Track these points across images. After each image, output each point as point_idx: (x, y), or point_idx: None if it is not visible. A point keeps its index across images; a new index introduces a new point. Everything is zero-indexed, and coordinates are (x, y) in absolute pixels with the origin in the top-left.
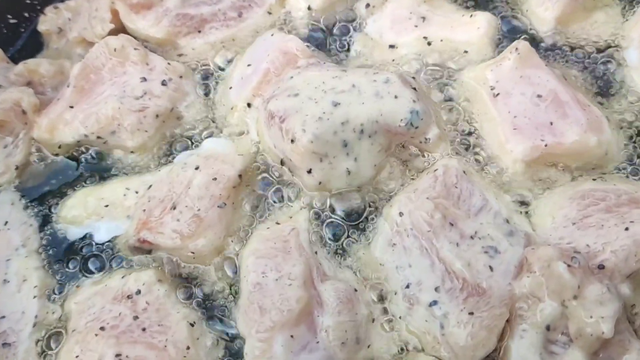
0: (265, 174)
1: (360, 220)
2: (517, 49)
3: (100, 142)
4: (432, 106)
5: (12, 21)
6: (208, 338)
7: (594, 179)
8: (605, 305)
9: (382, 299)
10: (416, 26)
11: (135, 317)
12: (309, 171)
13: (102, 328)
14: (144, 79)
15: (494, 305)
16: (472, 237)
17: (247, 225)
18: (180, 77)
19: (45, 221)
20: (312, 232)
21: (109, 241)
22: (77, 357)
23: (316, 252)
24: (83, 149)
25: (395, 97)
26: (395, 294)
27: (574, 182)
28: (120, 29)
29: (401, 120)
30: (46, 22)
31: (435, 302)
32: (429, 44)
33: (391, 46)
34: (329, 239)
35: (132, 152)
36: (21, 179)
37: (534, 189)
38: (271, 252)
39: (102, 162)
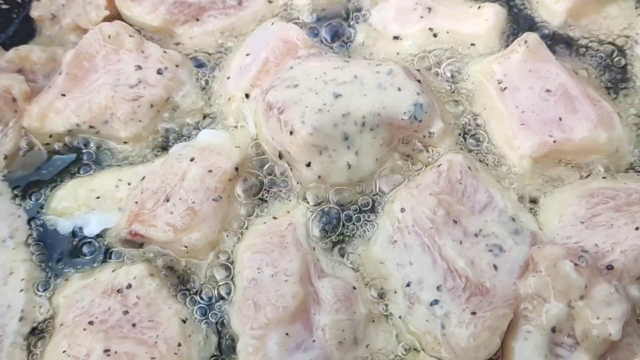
0: (262, 167)
1: (361, 216)
2: (526, 41)
3: (92, 131)
4: (437, 100)
5: (3, 7)
6: (200, 335)
7: (603, 177)
8: (613, 306)
9: (381, 297)
10: (422, 17)
11: (125, 312)
12: (308, 164)
13: (90, 322)
14: (139, 67)
15: (498, 305)
16: (476, 235)
17: (243, 220)
18: (177, 66)
19: (34, 212)
20: (310, 228)
21: (99, 234)
22: (64, 352)
23: (314, 248)
24: (74, 138)
25: (399, 89)
26: (395, 292)
27: (583, 180)
28: (115, 16)
29: (404, 113)
30: (39, 8)
31: (436, 301)
32: (435, 35)
33: (395, 37)
34: (328, 235)
35: (125, 142)
36: (10, 169)
37: (541, 186)
38: (267, 247)
39: (94, 152)
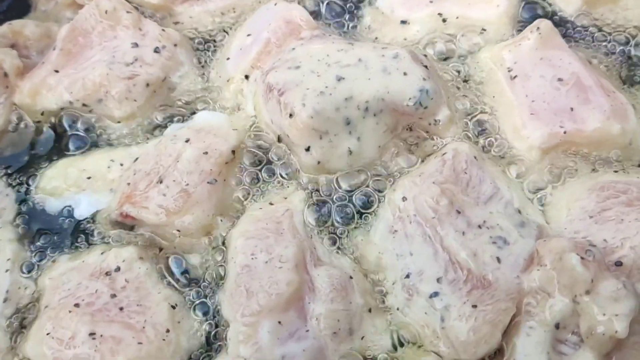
0: (260, 151)
1: (361, 204)
2: (538, 28)
3: (85, 110)
4: (444, 86)
5: None
6: (190, 322)
7: (615, 171)
8: (620, 302)
9: (379, 288)
10: (431, 1)
11: (113, 295)
12: (307, 149)
13: (76, 305)
14: (136, 45)
15: (500, 299)
16: (479, 227)
17: (238, 205)
18: (175, 45)
19: (23, 192)
20: (308, 215)
21: (89, 215)
22: (48, 334)
23: (311, 236)
24: (67, 117)
25: (405, 74)
26: (394, 283)
27: (594, 174)
28: None
29: (409, 99)
30: None
31: (436, 294)
32: (444, 20)
33: (403, 22)
34: (326, 222)
35: (119, 122)
36: None
37: (550, 178)
38: (262, 233)
39: (86, 131)
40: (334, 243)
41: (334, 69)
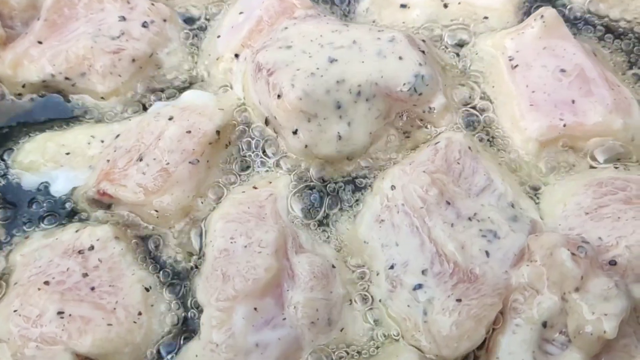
0: (246, 133)
1: (348, 191)
2: (542, 16)
3: (68, 84)
4: (441, 73)
5: None
6: (163, 305)
7: (615, 167)
8: (611, 302)
9: (362, 278)
10: None
11: (85, 275)
12: (295, 132)
13: (46, 282)
14: (123, 18)
15: (486, 293)
16: (469, 219)
17: (220, 187)
18: (164, 20)
19: None
20: (292, 200)
21: (66, 192)
22: (15, 311)
23: (294, 222)
24: (49, 90)
25: (400, 58)
26: (378, 274)
27: (593, 170)
28: None
29: (404, 84)
30: None
31: (420, 286)
32: (445, 6)
33: (403, 5)
34: (311, 209)
35: (102, 98)
36: None
37: (546, 172)
38: (243, 217)
39: (68, 106)
40: (318, 230)
41: (326, 50)
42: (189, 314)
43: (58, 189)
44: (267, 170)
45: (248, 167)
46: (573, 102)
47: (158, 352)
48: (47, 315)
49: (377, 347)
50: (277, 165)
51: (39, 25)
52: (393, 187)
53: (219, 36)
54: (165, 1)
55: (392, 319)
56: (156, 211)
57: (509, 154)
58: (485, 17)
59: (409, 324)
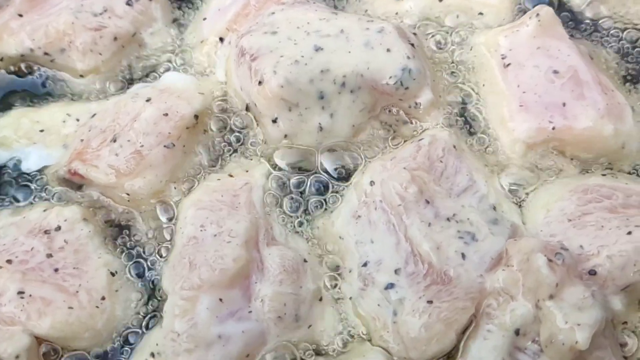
0: (225, 120)
1: (326, 185)
2: (538, 14)
3: (46, 59)
4: (431, 68)
5: None
6: (129, 291)
7: (603, 174)
8: (585, 312)
9: (334, 275)
10: None
11: (49, 255)
12: (275, 120)
13: (9, 261)
14: None
15: (459, 297)
16: (448, 219)
17: (195, 173)
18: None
19: None
20: (268, 191)
21: (37, 169)
22: None
23: (269, 214)
24: (26, 65)
25: (388, 50)
26: (350, 271)
27: (580, 175)
28: None
29: (390, 77)
30: None
31: (392, 285)
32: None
33: None
34: (287, 201)
35: (81, 75)
36: None
37: (532, 176)
38: (216, 205)
39: (45, 82)
40: (293, 223)
41: (312, 38)
42: (156, 301)
43: (29, 165)
44: (244, 158)
45: (225, 153)
46: (564, 104)
47: (124, 338)
48: (7, 295)
49: (345, 346)
50: (256, 153)
51: None
52: (372, 183)
53: (205, 18)
54: None
55: (361, 318)
56: (127, 194)
57: (495, 154)
58: (481, 13)
59: (378, 324)
